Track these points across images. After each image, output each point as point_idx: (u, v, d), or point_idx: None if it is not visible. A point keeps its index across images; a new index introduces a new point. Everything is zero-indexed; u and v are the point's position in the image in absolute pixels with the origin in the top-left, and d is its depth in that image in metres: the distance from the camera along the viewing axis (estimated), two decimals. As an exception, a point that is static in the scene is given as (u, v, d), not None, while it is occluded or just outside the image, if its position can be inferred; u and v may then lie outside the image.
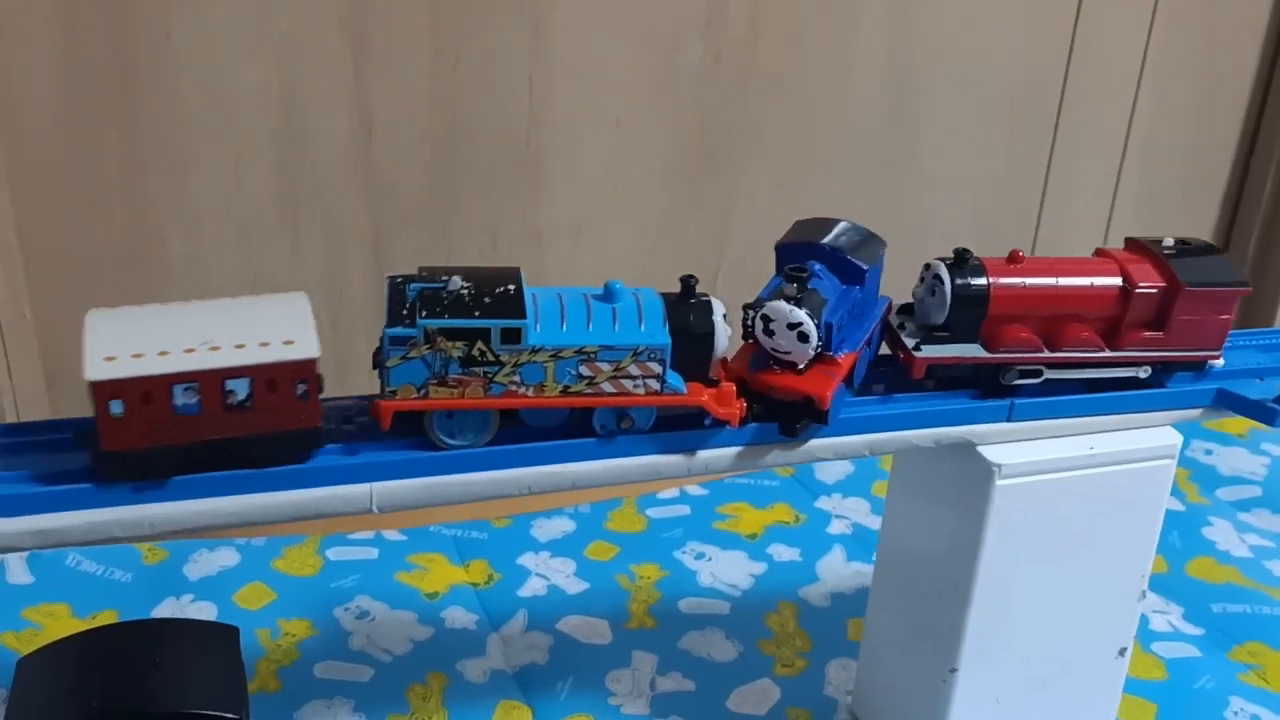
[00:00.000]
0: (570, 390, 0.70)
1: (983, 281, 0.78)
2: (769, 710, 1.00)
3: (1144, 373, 0.82)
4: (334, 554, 1.16)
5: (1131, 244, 0.84)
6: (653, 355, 0.70)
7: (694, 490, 1.30)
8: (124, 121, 1.07)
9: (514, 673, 1.03)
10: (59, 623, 1.04)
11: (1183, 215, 1.59)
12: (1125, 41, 1.44)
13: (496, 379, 0.69)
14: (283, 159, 1.13)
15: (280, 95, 1.11)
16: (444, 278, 0.68)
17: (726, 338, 0.73)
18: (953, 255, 0.80)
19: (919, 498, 0.89)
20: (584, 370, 0.69)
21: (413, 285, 0.69)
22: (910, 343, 0.79)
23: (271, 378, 0.64)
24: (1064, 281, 0.80)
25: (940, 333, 0.79)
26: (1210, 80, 1.51)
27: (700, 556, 1.20)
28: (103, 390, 0.62)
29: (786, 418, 0.74)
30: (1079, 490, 0.82)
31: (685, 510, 1.28)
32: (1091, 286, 0.80)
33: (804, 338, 0.72)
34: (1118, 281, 0.80)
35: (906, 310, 0.82)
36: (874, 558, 1.19)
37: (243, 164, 1.12)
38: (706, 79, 1.26)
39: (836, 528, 1.26)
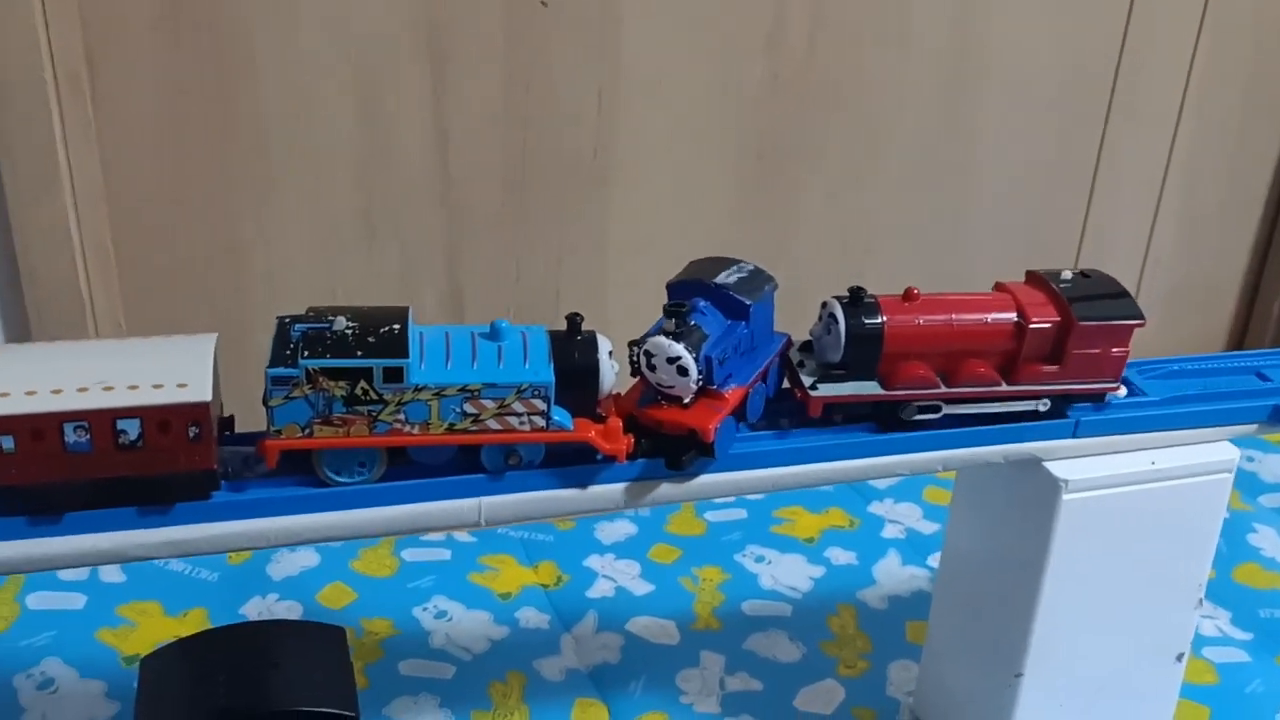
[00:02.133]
0: (456, 428, 0.71)
1: (877, 320, 0.79)
2: (835, 710, 1.04)
3: (1043, 406, 0.82)
4: (409, 555, 1.21)
5: (1031, 277, 0.85)
6: (536, 392, 0.71)
7: (758, 494, 1.35)
8: (213, 139, 1.12)
9: (588, 671, 1.07)
10: (152, 620, 1.09)
11: (1223, 228, 1.62)
12: (1171, 58, 1.47)
13: (381, 417, 0.69)
14: (361, 175, 1.18)
15: (360, 114, 1.15)
16: (330, 317, 0.69)
17: (614, 374, 0.74)
18: (848, 294, 0.80)
19: (983, 510, 0.93)
20: (468, 408, 0.70)
21: (298, 325, 0.69)
22: (807, 381, 0.80)
23: (164, 419, 0.65)
24: (958, 318, 0.80)
25: (837, 370, 0.80)
26: (1254, 95, 1.54)
27: (760, 559, 1.24)
28: None
29: (673, 452, 0.75)
30: (1141, 503, 0.86)
31: (742, 514, 1.32)
32: (986, 322, 0.81)
33: (684, 372, 0.72)
34: (1013, 317, 0.81)
35: (809, 347, 0.83)
36: (929, 563, 1.24)
37: (323, 179, 1.17)
38: (768, 96, 1.29)
39: (890, 532, 1.30)
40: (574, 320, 0.74)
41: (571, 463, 0.75)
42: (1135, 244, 1.56)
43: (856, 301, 0.79)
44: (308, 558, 1.18)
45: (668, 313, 0.74)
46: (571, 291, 1.30)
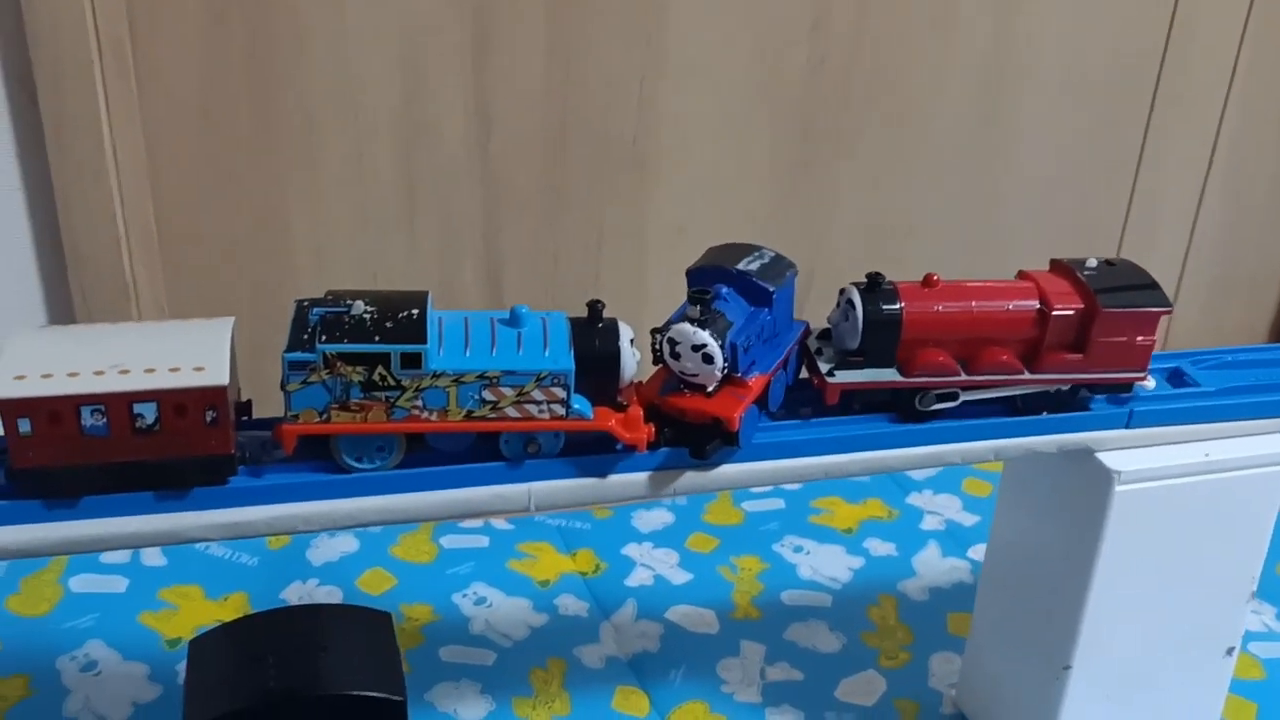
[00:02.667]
0: (474, 415, 0.70)
1: (895, 306, 0.78)
2: (877, 701, 1.04)
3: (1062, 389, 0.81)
4: (447, 542, 1.20)
5: (1055, 265, 0.83)
6: (556, 380, 0.69)
7: (787, 484, 1.34)
8: (257, 117, 1.11)
9: (628, 660, 1.07)
10: (193, 604, 1.09)
11: (1267, 219, 1.60)
12: (1216, 48, 1.45)
13: (399, 403, 0.68)
14: (404, 154, 1.17)
15: (403, 93, 1.15)
16: (348, 302, 0.68)
17: (635, 362, 0.73)
18: (865, 280, 0.79)
19: (1031, 501, 0.92)
20: (487, 395, 0.69)
21: (316, 309, 0.68)
22: (825, 368, 0.79)
23: (180, 403, 0.65)
24: (979, 305, 0.79)
25: (855, 357, 0.79)
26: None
27: (798, 550, 1.23)
28: (9, 409, 0.63)
29: (697, 441, 0.74)
30: (1195, 495, 0.85)
31: (780, 504, 1.31)
32: (1008, 310, 0.79)
33: (709, 359, 0.71)
34: (1035, 304, 0.79)
35: (827, 335, 0.82)
36: (969, 555, 1.23)
37: (365, 159, 1.16)
38: (810, 82, 1.28)
39: (929, 523, 1.29)
40: (595, 307, 0.73)
41: (592, 451, 0.73)
42: (1179, 234, 1.55)
43: (874, 288, 0.78)
44: (347, 543, 1.18)
45: (692, 299, 0.73)
46: (610, 274, 1.29)
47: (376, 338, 0.67)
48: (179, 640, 1.04)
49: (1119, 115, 1.45)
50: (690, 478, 0.76)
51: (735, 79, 1.26)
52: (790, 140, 1.31)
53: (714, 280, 0.76)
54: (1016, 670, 0.94)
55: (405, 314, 0.68)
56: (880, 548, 1.24)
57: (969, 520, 1.29)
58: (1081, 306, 0.79)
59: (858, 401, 0.80)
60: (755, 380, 0.75)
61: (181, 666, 1.01)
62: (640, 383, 0.76)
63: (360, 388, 0.67)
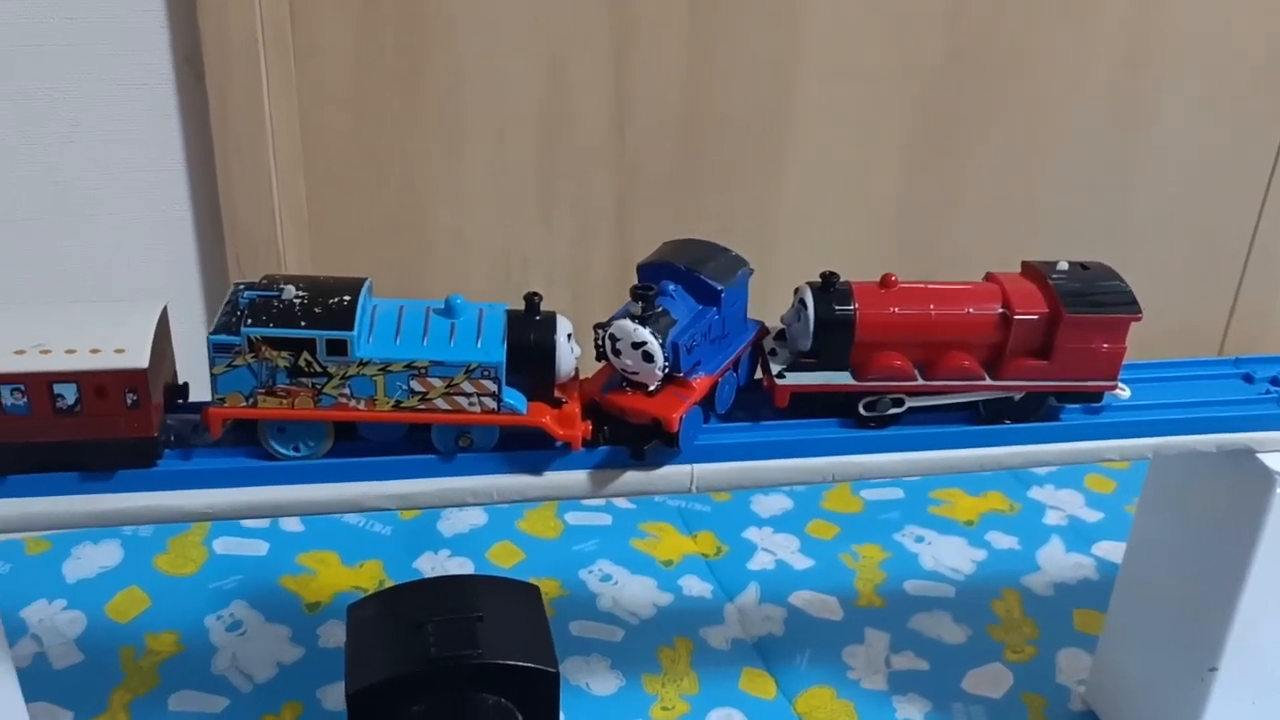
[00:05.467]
0: (402, 405, 0.69)
1: (849, 308, 0.75)
2: (1004, 694, 1.03)
3: (1017, 395, 0.78)
4: (572, 519, 1.22)
5: (1026, 267, 0.80)
6: (486, 372, 0.68)
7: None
8: (404, 100, 1.14)
9: (753, 642, 1.07)
10: (330, 569, 1.12)
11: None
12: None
13: (325, 390, 0.68)
14: (544, 140, 1.19)
15: (547, 80, 1.16)
16: (281, 286, 0.68)
17: (574, 356, 0.72)
18: (820, 279, 0.76)
19: (1180, 500, 0.91)
20: (415, 385, 0.68)
21: (247, 292, 0.68)
22: (776, 369, 0.76)
23: (100, 384, 0.65)
24: (937, 309, 0.76)
25: (807, 359, 0.76)
26: None
27: (919, 540, 1.23)
28: None
29: (636, 440, 0.72)
30: (1355, 500, 0.84)
31: (899, 494, 1.31)
32: (969, 314, 0.76)
33: (649, 357, 0.69)
34: (997, 308, 0.76)
35: (784, 336, 0.79)
36: (1094, 551, 1.22)
37: (507, 144, 1.18)
38: (943, 72, 1.28)
39: (1052, 518, 1.28)
40: (532, 300, 0.72)
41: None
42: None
43: (828, 287, 0.76)
44: (476, 516, 1.20)
45: (635, 296, 0.71)
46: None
47: (302, 323, 0.66)
48: (318, 604, 1.07)
49: (1256, 118, 1.42)
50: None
51: (870, 67, 1.25)
52: (922, 129, 1.30)
53: (663, 277, 0.74)
54: (1155, 670, 0.93)
55: (336, 300, 0.68)
56: (1002, 541, 1.24)
57: (1092, 517, 1.28)
58: (1046, 311, 0.76)
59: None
60: (699, 381, 0.73)
61: (323, 630, 1.04)
62: (585, 379, 0.74)
63: (286, 373, 0.67)
